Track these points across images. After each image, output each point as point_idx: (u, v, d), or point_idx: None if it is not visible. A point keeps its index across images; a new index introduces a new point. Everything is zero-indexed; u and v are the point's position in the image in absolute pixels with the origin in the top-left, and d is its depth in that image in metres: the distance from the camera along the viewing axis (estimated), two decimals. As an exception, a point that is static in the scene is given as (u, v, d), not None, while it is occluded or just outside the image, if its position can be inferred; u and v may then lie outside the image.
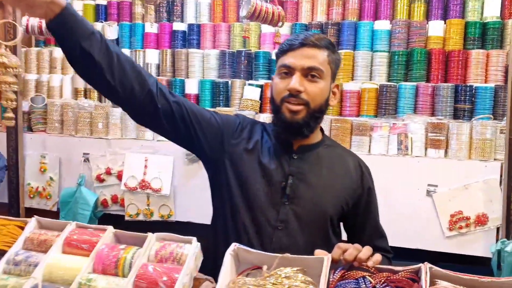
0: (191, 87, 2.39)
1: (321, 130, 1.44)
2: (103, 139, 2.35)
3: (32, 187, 2.43)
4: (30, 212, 2.35)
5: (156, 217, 2.25)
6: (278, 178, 1.31)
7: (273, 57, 2.42)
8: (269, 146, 1.37)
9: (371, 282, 1.07)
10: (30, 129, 2.50)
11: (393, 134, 1.98)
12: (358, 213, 1.37)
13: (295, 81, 1.25)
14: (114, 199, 2.30)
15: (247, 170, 1.33)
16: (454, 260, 2.03)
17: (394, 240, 1.95)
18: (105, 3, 2.79)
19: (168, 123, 1.25)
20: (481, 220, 1.85)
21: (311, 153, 1.36)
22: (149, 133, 2.33)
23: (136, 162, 2.24)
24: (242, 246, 1.21)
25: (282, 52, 1.31)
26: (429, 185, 1.89)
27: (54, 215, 2.39)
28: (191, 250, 1.26)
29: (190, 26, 2.58)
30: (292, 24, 2.44)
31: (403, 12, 2.32)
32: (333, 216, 1.32)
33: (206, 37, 2.54)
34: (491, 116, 1.96)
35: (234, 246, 1.23)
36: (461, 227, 1.87)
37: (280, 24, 1.86)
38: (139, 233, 1.32)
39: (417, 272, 1.06)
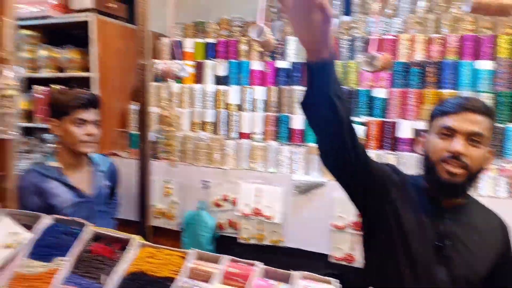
0: (296, 123, 2.62)
1: None
2: (219, 169, 2.67)
3: (157, 209, 2.80)
4: (157, 230, 2.71)
5: (267, 242, 2.51)
6: (433, 239, 1.32)
7: (374, 94, 2.57)
8: (417, 201, 1.38)
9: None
10: (156, 157, 2.88)
11: (503, 177, 2.05)
12: (501, 275, 1.38)
13: (460, 145, 1.26)
14: (230, 223, 2.59)
15: (407, 225, 1.35)
16: None
17: None
18: (214, 41, 3.10)
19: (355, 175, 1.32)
20: None
21: (462, 213, 1.37)
22: (260, 164, 2.60)
23: (249, 191, 2.52)
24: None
25: (443, 113, 1.32)
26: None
27: (178, 233, 2.74)
28: (330, 292, 1.45)
29: (294, 64, 2.82)
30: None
31: (505, 51, 2.36)
32: (483, 279, 1.33)
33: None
34: None
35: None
36: None
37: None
38: (283, 270, 1.55)
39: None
